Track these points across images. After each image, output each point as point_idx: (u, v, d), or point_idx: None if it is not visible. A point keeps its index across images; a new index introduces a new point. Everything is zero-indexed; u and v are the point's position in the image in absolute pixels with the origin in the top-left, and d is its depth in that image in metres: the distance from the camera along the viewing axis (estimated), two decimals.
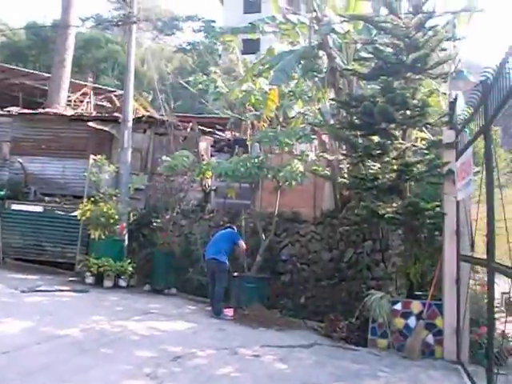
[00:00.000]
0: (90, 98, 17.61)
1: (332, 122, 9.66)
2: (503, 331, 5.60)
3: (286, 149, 9.55)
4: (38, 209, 11.71)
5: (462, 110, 6.68)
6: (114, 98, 17.31)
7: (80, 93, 17.57)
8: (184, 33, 33.29)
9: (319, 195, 10.30)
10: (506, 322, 5.54)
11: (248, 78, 10.63)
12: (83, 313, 7.52)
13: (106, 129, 12.92)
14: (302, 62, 10.24)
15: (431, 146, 7.61)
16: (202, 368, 5.44)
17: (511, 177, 9.29)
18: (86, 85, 17.79)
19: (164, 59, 27.68)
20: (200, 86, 11.41)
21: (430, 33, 7.56)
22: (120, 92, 15.85)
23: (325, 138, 10.36)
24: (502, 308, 6.83)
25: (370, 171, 7.63)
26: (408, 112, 7.49)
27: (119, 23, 12.99)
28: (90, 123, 12.94)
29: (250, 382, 5.19)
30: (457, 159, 6.62)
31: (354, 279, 8.96)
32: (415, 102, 7.43)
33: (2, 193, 12.15)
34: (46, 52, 24.28)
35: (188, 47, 27.19)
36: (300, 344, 6.86)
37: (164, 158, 10.76)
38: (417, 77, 7.72)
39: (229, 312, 8.30)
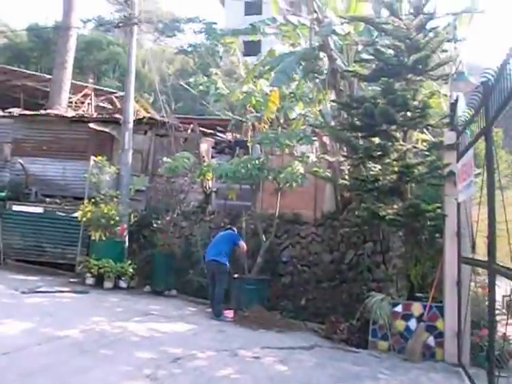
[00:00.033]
0: (91, 99, 17.64)
1: (333, 123, 9.65)
2: (504, 333, 5.58)
3: (287, 150, 9.55)
4: (39, 210, 11.73)
5: (462, 111, 6.67)
6: (114, 99, 17.35)
7: (81, 94, 17.60)
8: (185, 34, 33.32)
9: (320, 197, 10.29)
10: (507, 324, 5.51)
11: (249, 80, 10.64)
12: (83, 314, 7.52)
13: (107, 130, 12.94)
14: (302, 63, 10.22)
15: (432, 148, 7.60)
16: (202, 369, 5.43)
17: None
18: (87, 86, 17.82)
19: (165, 61, 27.75)
20: (201, 87, 11.43)
21: (431, 34, 7.56)
22: (121, 93, 15.85)
23: (325, 139, 10.35)
24: (504, 310, 6.80)
25: (371, 173, 7.62)
26: (409, 113, 7.48)
27: (120, 25, 13.01)
28: (91, 124, 12.96)
29: None
30: (458, 161, 6.61)
31: (354, 281, 8.94)
32: (416, 103, 7.43)
33: (3, 194, 12.17)
34: (47, 54, 24.30)
35: (189, 49, 27.22)
36: (300, 346, 6.84)
37: (165, 159, 10.77)
38: (418, 78, 7.71)
39: (229, 314, 8.29)
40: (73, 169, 13.08)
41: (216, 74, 11.85)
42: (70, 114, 14.53)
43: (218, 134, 14.23)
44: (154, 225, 10.70)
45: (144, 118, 13.12)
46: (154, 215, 11.03)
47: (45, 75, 17.41)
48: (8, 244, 11.46)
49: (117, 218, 10.50)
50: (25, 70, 18.07)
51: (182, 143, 12.74)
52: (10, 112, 14.02)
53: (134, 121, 11.94)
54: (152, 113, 14.27)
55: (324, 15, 10.04)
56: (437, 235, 7.28)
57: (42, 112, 14.33)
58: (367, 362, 6.32)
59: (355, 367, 6.01)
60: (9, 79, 16.53)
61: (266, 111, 10.11)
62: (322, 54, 10.22)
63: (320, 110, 10.46)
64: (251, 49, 18.31)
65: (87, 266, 10.04)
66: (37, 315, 7.08)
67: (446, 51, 8.05)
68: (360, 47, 9.75)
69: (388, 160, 7.51)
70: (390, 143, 7.49)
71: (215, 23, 30.16)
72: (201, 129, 13.13)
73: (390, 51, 7.85)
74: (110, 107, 17.48)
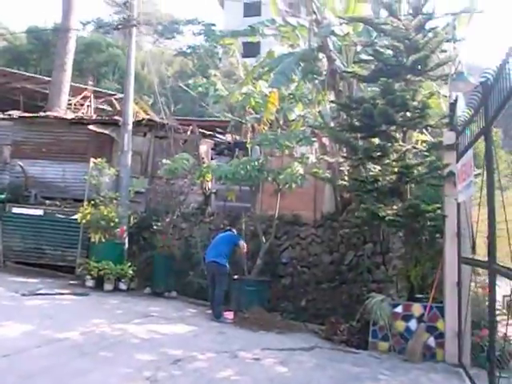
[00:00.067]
0: (90, 101, 17.67)
1: (332, 124, 9.66)
2: (505, 334, 5.56)
3: (287, 151, 9.54)
4: (39, 212, 11.71)
5: (462, 111, 6.66)
6: (114, 101, 17.37)
7: (80, 96, 17.63)
8: (184, 36, 33.46)
9: (319, 198, 10.28)
10: (507, 324, 5.50)
11: (248, 81, 10.64)
12: (83, 316, 7.51)
13: (107, 132, 12.94)
14: (301, 64, 10.23)
15: (432, 148, 7.59)
16: (202, 371, 5.42)
17: None
18: (86, 88, 17.85)
19: (164, 62, 27.78)
20: (200, 89, 11.44)
21: (430, 34, 7.55)
22: (120, 95, 15.88)
23: (325, 140, 10.35)
24: (504, 310, 6.79)
25: (371, 173, 7.62)
26: (408, 114, 7.48)
27: (119, 27, 13.01)
28: (91, 126, 12.96)
29: None
30: (457, 161, 6.61)
31: (354, 282, 8.93)
32: (415, 103, 7.42)
33: (3, 196, 12.17)
34: (46, 56, 24.34)
35: (188, 50, 27.31)
36: (300, 347, 6.83)
37: (164, 161, 10.76)
38: (417, 78, 7.71)
39: (229, 315, 8.28)
40: (72, 171, 13.08)
41: (215, 75, 11.88)
42: (70, 116, 14.55)
43: (218, 135, 14.22)
44: (154, 226, 10.69)
45: (143, 119, 13.12)
46: (154, 217, 11.02)
47: (44, 77, 17.44)
48: (8, 246, 11.45)
49: (116, 220, 10.50)
50: (24, 73, 18.12)
51: (182, 145, 12.74)
52: (9, 114, 14.03)
53: (133, 123, 11.94)
54: (151, 115, 14.27)
55: (323, 16, 10.05)
56: (437, 236, 7.28)
57: (42, 114, 14.34)
58: (367, 362, 6.31)
59: (355, 368, 6.00)
60: (8, 81, 16.55)
61: (266, 112, 10.12)
62: (321, 55, 10.23)
63: (319, 111, 10.47)
64: (250, 50, 18.36)
65: (87, 268, 10.03)
66: (37, 317, 7.07)
67: (445, 51, 8.04)
68: (359, 48, 9.76)
69: (387, 160, 7.51)
70: (389, 144, 7.49)
71: (214, 25, 30.27)
72: (200, 130, 13.13)
73: (389, 52, 7.85)
74: (110, 109, 17.49)
